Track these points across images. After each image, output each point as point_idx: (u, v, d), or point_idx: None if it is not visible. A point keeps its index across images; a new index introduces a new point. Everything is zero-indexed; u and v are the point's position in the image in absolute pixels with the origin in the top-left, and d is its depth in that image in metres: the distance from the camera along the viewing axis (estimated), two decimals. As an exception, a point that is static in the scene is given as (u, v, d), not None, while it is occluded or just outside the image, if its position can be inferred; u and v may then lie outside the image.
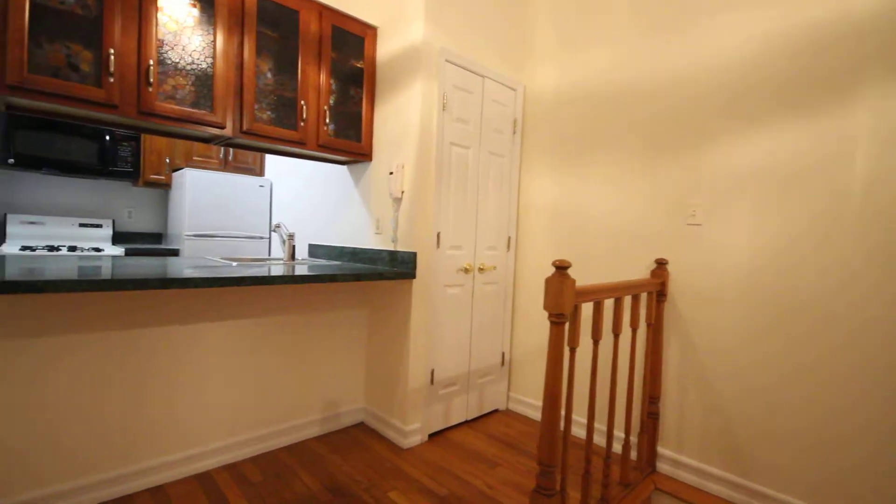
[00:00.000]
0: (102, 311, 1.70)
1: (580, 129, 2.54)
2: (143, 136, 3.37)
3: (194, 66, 1.90)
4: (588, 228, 2.50)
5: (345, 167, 2.79)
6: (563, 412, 1.57)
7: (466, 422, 2.65)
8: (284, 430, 2.25)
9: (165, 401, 1.87)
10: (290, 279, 1.83)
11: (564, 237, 2.61)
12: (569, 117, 2.59)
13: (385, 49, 2.47)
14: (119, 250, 3.11)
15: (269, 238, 3.68)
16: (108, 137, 3.17)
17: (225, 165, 3.56)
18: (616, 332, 1.84)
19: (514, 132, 2.78)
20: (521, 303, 2.84)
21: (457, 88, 2.40)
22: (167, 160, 3.47)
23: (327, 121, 2.32)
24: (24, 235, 3.15)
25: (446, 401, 2.51)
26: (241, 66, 2.03)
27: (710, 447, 2.06)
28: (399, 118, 2.37)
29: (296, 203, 3.37)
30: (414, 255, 2.26)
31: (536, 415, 2.74)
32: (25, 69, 1.52)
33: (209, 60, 1.93)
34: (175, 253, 3.33)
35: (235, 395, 2.07)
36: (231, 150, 3.56)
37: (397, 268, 2.35)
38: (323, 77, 2.29)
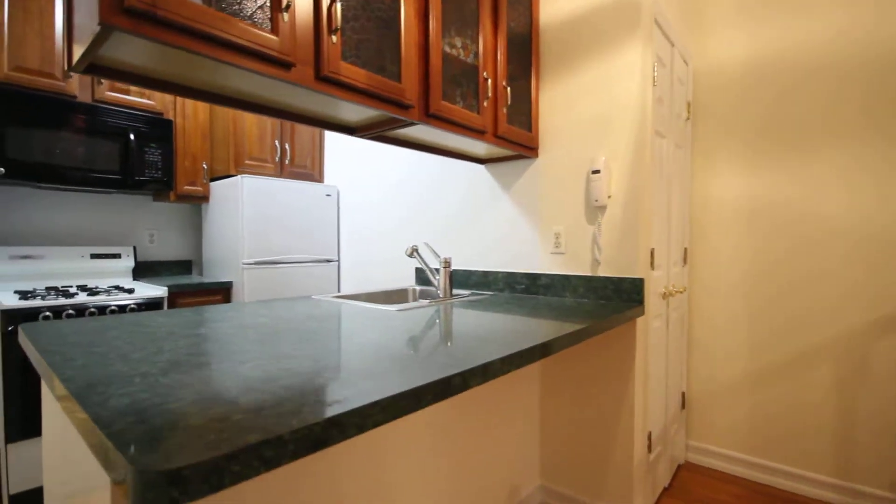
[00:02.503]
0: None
1: (790, 112, 2.03)
2: (175, 133, 2.54)
3: (377, 12, 1.21)
4: (812, 237, 1.99)
5: (482, 167, 2.14)
6: None
7: (665, 489, 2.07)
8: (478, 544, 1.57)
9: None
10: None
11: (771, 247, 2.09)
12: (770, 98, 2.08)
13: (557, 7, 1.86)
14: (157, 290, 2.27)
15: (339, 262, 2.93)
16: (132, 136, 2.33)
17: (281, 171, 2.77)
18: None
19: (688, 118, 2.24)
20: (698, 330, 2.30)
21: (657, 59, 1.83)
22: (204, 166, 2.65)
23: (508, 102, 1.67)
24: (17, 275, 2.24)
25: (655, 467, 1.92)
26: (425, 17, 1.35)
27: None
28: (594, 99, 1.76)
29: (379, 215, 2.67)
30: (640, 282, 1.66)
31: (731, 468, 2.19)
32: (159, -15, 0.80)
33: (393, 3, 1.25)
34: (228, 289, 2.53)
35: (429, 509, 1.37)
36: (288, 150, 2.79)
37: (602, 299, 1.74)
38: (500, 42, 1.65)
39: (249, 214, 2.46)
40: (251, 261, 2.47)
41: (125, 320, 1.27)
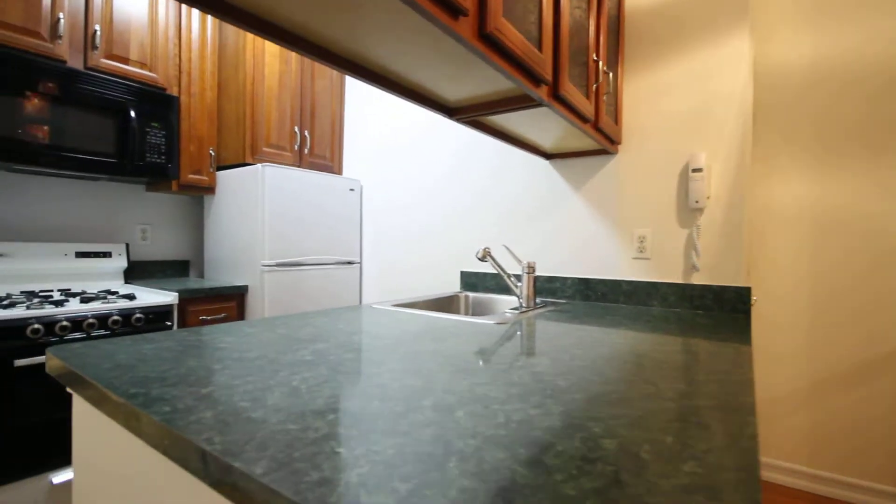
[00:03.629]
0: None
1: (858, 118, 1.98)
2: (181, 114, 2.19)
3: (524, -38, 0.99)
4: (877, 244, 1.95)
5: (546, 163, 1.96)
6: None
7: (735, 508, 1.96)
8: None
9: None
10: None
11: (832, 253, 2.03)
12: (838, 102, 2.02)
13: (645, -9, 1.71)
14: (166, 296, 1.92)
15: (361, 265, 2.65)
16: (133, 113, 1.96)
17: (300, 160, 2.46)
18: None
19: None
20: (757, 339, 2.22)
21: (747, 53, 1.71)
22: (211, 152, 2.31)
23: (610, 89, 1.50)
24: (-21, 277, 1.83)
25: (734, 489, 1.79)
26: (557, -20, 1.15)
27: None
28: (689, 91, 1.62)
29: (411, 215, 2.42)
30: (747, 290, 1.53)
31: (794, 482, 2.12)
32: None
33: (534, -43, 1.04)
34: (243, 294, 2.20)
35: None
36: (308, 138, 2.48)
37: (700, 309, 1.59)
38: (602, 22, 1.47)
39: (271, 209, 2.15)
40: (272, 262, 2.16)
41: (182, 340, 0.98)
